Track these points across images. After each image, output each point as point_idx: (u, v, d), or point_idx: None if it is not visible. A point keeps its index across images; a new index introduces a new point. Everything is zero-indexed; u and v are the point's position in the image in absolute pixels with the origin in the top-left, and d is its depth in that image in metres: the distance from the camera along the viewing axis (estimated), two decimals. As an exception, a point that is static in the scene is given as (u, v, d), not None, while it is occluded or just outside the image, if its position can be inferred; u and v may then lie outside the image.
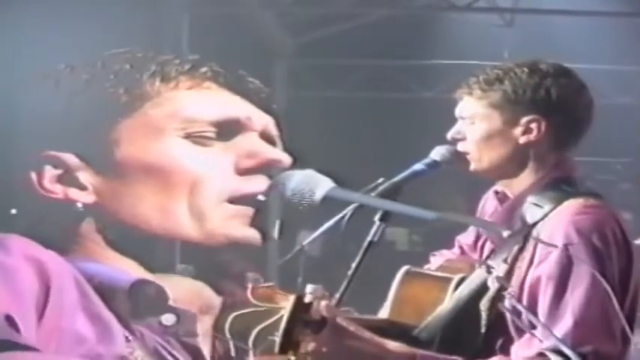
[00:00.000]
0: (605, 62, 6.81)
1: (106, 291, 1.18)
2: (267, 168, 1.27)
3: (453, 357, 2.16)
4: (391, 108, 8.67)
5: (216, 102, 1.29)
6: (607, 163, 6.10)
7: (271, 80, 8.63)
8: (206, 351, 1.24)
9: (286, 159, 1.29)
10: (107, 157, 1.26)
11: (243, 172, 1.26)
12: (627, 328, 2.19)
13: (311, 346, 1.85)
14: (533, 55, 2.49)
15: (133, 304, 1.18)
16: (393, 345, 2.11)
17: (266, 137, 1.31)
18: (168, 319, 1.20)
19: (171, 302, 1.21)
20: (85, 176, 1.26)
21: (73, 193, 1.26)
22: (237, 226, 1.25)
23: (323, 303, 1.70)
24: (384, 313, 2.40)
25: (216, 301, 1.27)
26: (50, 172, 1.27)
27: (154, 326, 1.19)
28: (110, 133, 1.26)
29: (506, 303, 1.96)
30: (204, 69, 1.31)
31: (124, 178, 1.25)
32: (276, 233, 1.28)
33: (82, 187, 1.26)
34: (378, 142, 8.18)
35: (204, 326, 1.24)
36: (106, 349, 1.13)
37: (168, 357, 1.18)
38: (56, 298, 1.12)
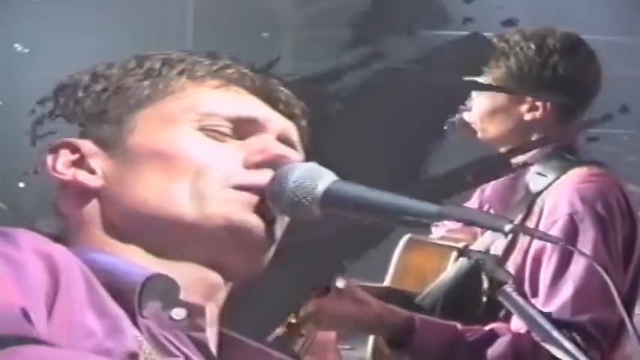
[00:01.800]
0: (614, 34, 6.76)
1: (116, 285, 1.18)
2: (275, 164, 1.26)
3: (455, 322, 2.17)
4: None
5: (236, 100, 1.31)
6: (614, 135, 6.08)
7: (277, 51, 8.61)
8: (212, 344, 1.23)
9: (294, 155, 1.29)
10: (121, 143, 1.28)
11: (251, 166, 1.27)
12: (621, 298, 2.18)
13: (311, 309, 1.85)
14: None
15: (145, 299, 1.18)
16: (391, 307, 2.13)
17: (284, 140, 1.30)
18: (178, 313, 1.19)
19: (181, 296, 1.21)
20: (96, 161, 1.29)
21: (82, 175, 1.28)
22: (237, 210, 1.24)
23: None
24: (386, 281, 2.40)
25: (221, 287, 1.26)
26: (66, 156, 1.30)
27: (163, 320, 1.19)
28: (127, 123, 1.29)
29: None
30: (231, 70, 1.32)
31: (131, 163, 1.27)
32: (279, 229, 1.26)
33: (92, 171, 1.29)
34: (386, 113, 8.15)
35: (209, 315, 1.23)
36: (115, 344, 1.13)
37: (176, 352, 1.17)
38: (65, 293, 1.12)
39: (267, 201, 1.25)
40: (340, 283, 1.72)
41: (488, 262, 1.25)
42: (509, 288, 1.26)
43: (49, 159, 1.30)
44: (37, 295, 1.09)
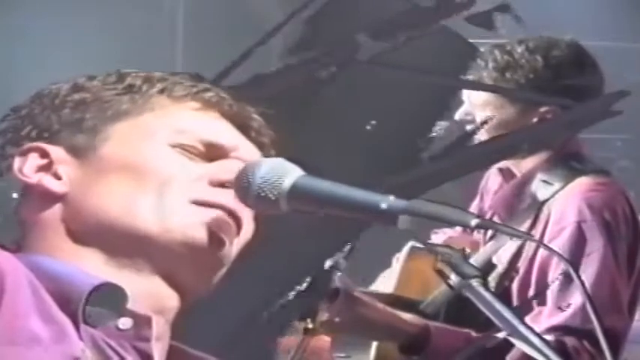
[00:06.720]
0: (608, 39, 6.78)
1: (62, 292, 1.18)
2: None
3: (464, 329, 2.16)
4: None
5: (212, 125, 1.32)
6: (607, 140, 6.11)
7: (267, 52, 8.59)
8: (157, 356, 1.22)
9: None
10: (92, 152, 1.29)
11: (215, 184, 1.27)
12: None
13: (324, 316, 1.84)
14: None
15: (92, 307, 1.18)
16: (406, 316, 2.14)
17: None
18: (125, 323, 1.19)
19: (129, 306, 1.20)
20: (64, 168, 1.29)
21: (47, 180, 1.28)
22: (197, 227, 1.24)
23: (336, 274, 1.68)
24: (390, 288, 2.40)
25: (173, 301, 1.25)
26: (34, 160, 1.30)
27: (110, 329, 1.19)
28: (102, 132, 1.30)
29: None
30: (210, 94, 1.33)
31: (100, 172, 1.28)
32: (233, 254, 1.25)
33: (58, 177, 1.29)
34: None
35: (158, 329, 1.22)
36: (61, 349, 1.14)
37: None
38: (10, 298, 1.12)
39: (235, 195, 1.25)
40: (339, 282, 1.70)
41: (454, 257, 1.26)
42: (475, 282, 1.26)
43: (17, 161, 1.30)
44: None
